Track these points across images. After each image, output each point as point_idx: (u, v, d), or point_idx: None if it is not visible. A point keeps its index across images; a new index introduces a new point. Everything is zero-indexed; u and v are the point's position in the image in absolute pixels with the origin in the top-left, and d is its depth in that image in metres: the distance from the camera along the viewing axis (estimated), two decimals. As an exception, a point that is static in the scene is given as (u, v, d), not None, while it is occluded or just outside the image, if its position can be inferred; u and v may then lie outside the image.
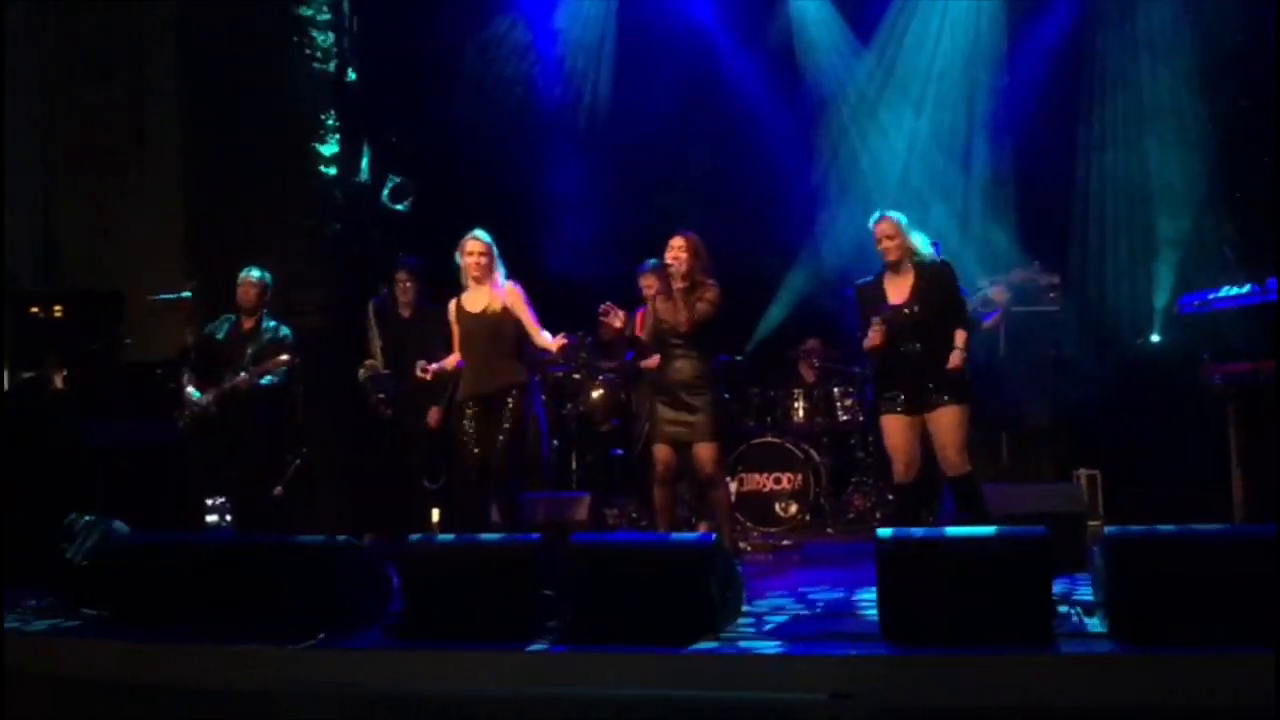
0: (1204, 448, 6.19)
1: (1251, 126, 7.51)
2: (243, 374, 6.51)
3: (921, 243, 5.49)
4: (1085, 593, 4.76)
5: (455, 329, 5.97)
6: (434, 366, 5.99)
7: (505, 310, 5.87)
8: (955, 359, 5.31)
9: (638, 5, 9.29)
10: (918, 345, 5.34)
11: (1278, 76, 5.95)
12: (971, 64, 8.72)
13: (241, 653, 4.62)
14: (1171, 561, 4.14)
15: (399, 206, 8.80)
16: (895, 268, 5.48)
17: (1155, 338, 7.80)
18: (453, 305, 5.99)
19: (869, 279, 5.61)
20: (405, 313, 7.22)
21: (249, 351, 6.59)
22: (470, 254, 5.88)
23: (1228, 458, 5.91)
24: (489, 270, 5.89)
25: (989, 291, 6.93)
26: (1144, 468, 7.24)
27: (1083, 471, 7.22)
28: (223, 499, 7.01)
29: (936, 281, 5.45)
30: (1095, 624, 4.36)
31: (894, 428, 5.43)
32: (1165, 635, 4.02)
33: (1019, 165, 8.45)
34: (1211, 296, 5.63)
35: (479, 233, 5.95)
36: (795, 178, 8.83)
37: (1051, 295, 7.46)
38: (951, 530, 4.54)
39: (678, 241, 5.90)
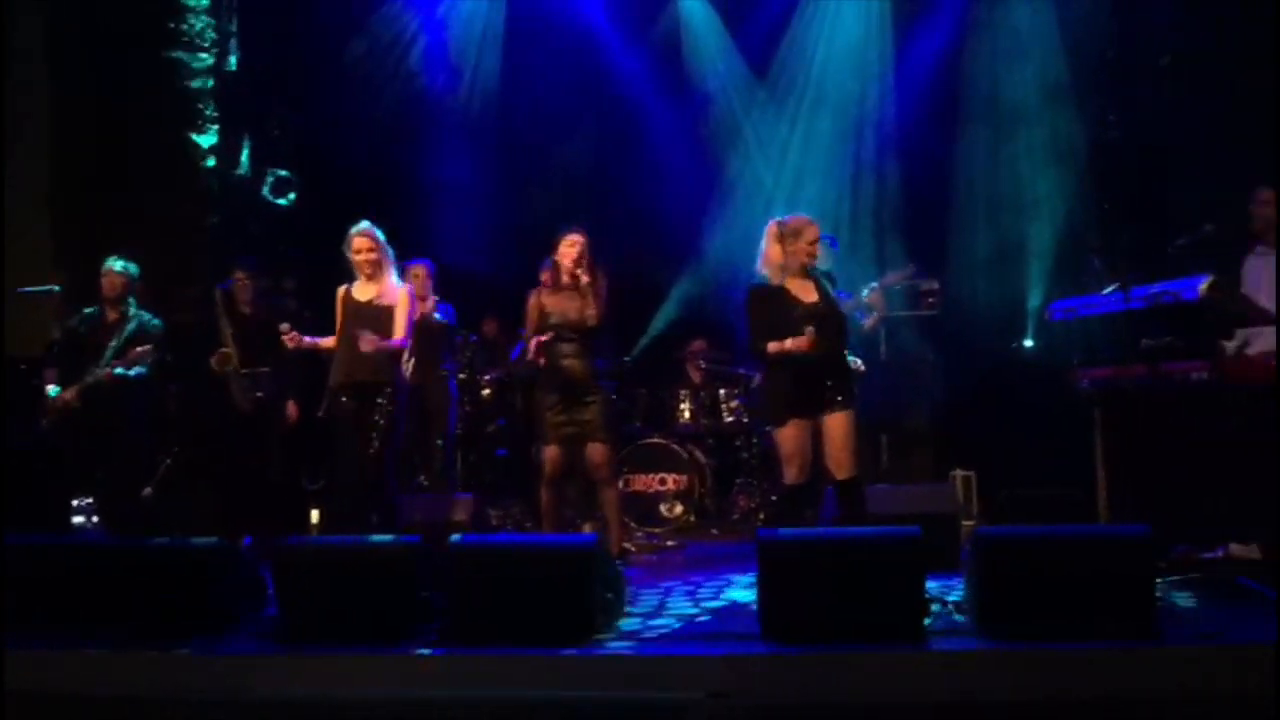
0: (1073, 450, 6.40)
1: (1117, 139, 7.81)
2: (105, 368, 6.30)
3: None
4: (960, 591, 4.88)
5: (341, 317, 5.85)
6: (307, 340, 5.84)
7: (394, 309, 5.79)
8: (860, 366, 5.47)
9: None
10: (828, 347, 5.36)
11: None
12: (856, 70, 8.90)
13: (110, 658, 4.46)
14: (1038, 560, 4.27)
15: (281, 200, 8.60)
16: (803, 273, 5.49)
17: (1028, 343, 8.05)
18: (341, 292, 5.89)
19: (764, 281, 5.52)
20: (246, 310, 7.09)
21: (112, 344, 6.39)
22: (358, 251, 5.78)
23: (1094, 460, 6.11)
24: (380, 266, 5.80)
25: (866, 296, 7.08)
26: (1017, 469, 7.45)
27: (958, 472, 7.42)
28: (90, 499, 6.75)
29: (830, 288, 5.55)
30: (967, 621, 4.47)
31: (795, 432, 5.42)
32: (1033, 632, 4.15)
33: (902, 173, 8.65)
34: (1080, 303, 5.81)
35: (365, 227, 5.83)
36: (682, 178, 8.88)
37: (930, 301, 7.64)
38: (829, 530, 4.62)
39: (576, 237, 5.92)
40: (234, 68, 8.34)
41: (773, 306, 5.42)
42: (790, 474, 5.45)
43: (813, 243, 5.46)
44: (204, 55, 8.10)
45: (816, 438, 5.44)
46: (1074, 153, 7.94)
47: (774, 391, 5.51)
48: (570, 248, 5.89)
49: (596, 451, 5.88)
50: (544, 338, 5.94)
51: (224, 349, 6.81)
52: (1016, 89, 8.32)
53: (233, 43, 8.34)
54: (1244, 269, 5.80)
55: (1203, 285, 5.07)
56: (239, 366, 6.80)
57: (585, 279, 5.84)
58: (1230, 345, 5.60)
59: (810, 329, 5.25)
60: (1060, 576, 4.21)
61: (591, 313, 5.82)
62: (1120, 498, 5.83)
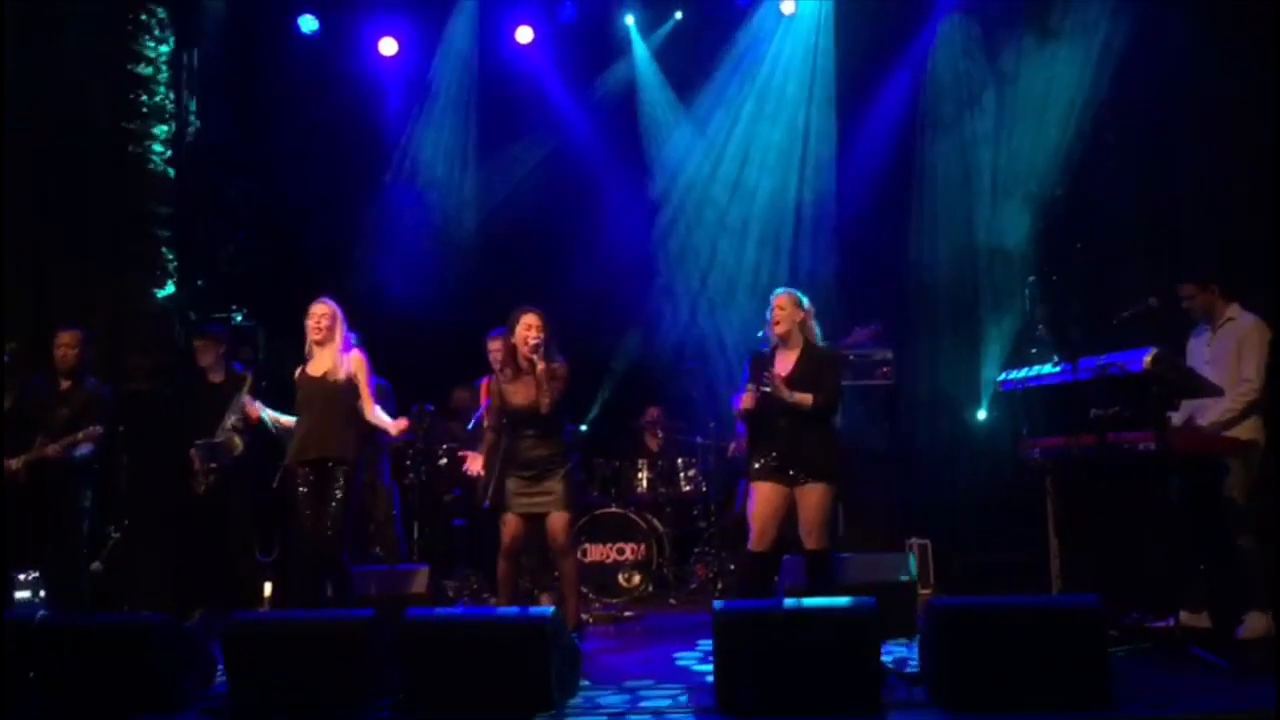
0: (1026, 519, 6.47)
1: (1066, 213, 7.99)
2: (53, 444, 6.24)
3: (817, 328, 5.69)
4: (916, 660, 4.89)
5: (298, 393, 5.91)
6: (268, 414, 5.92)
7: (348, 379, 5.83)
8: (783, 388, 5.40)
9: (489, 71, 9.38)
10: (785, 419, 5.46)
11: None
12: (806, 138, 9.07)
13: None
14: (992, 630, 4.29)
15: (239, 269, 8.58)
16: (785, 341, 5.63)
17: (982, 413, 8.15)
18: (299, 371, 5.96)
19: (766, 348, 5.73)
20: (216, 378, 7.04)
21: (65, 414, 6.33)
22: (311, 317, 5.87)
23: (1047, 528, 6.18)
24: (330, 334, 5.86)
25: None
26: (972, 537, 7.52)
27: (914, 541, 7.46)
28: (35, 574, 6.60)
29: (818, 362, 5.59)
30: (921, 693, 4.47)
31: (758, 495, 5.54)
32: (988, 702, 4.17)
33: (856, 244, 8.76)
34: (1028, 374, 5.90)
35: (324, 299, 5.96)
36: (631, 245, 9.00)
37: (885, 370, 7.73)
38: (785, 602, 4.61)
39: (533, 320, 5.81)
40: (193, 138, 8.35)
41: (756, 370, 5.61)
42: (752, 538, 5.52)
43: (772, 308, 5.66)
44: (162, 126, 8.10)
45: (792, 509, 5.49)
46: (1025, 226, 8.10)
47: (750, 451, 5.68)
48: (526, 330, 5.81)
49: (556, 522, 5.85)
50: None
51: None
52: (971, 162, 8.50)
53: (191, 113, 8.36)
54: (1188, 344, 5.93)
55: (1147, 357, 5.17)
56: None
57: (541, 366, 5.77)
58: (1176, 416, 5.72)
59: (751, 387, 5.45)
60: (1014, 646, 4.24)
61: (546, 401, 5.79)
62: (1072, 566, 5.90)
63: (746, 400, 5.49)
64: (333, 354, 5.86)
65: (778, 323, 5.61)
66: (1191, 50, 7.18)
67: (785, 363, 5.62)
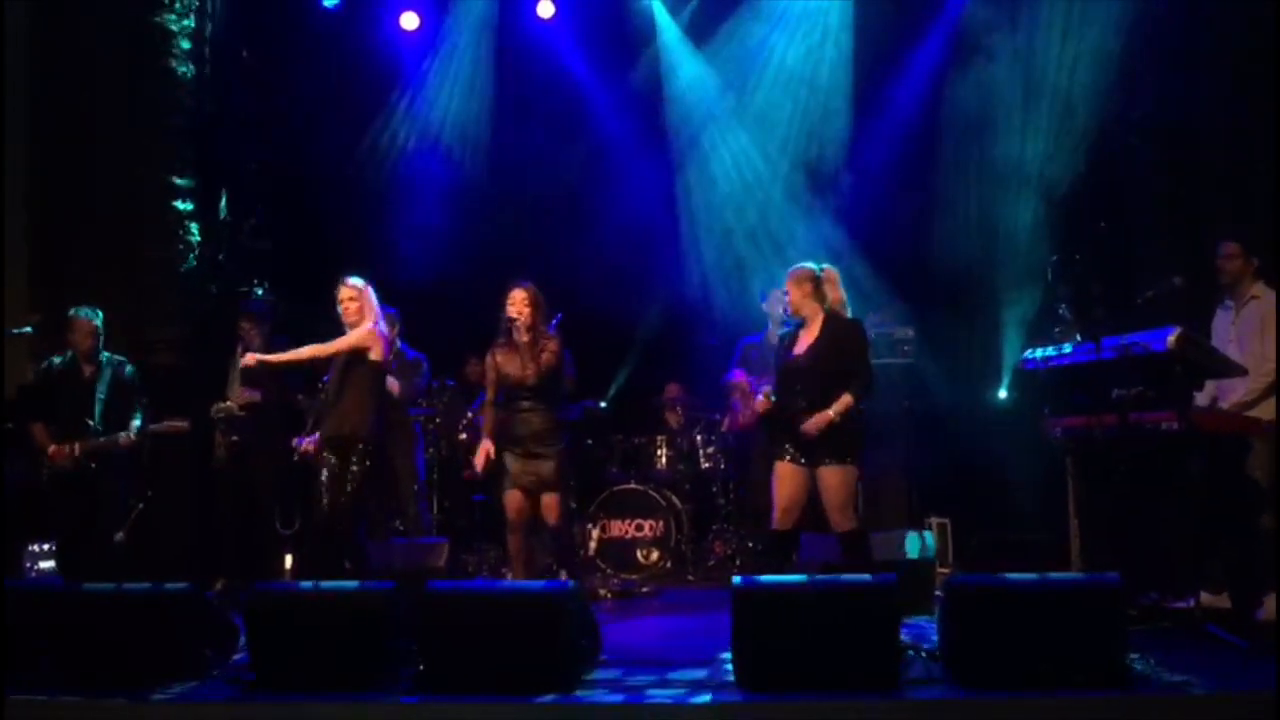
0: (1047, 498, 6.44)
1: (1089, 191, 7.92)
2: (125, 435, 6.43)
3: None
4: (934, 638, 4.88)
5: (330, 367, 5.96)
6: (260, 357, 5.94)
7: (364, 351, 5.83)
8: (815, 420, 5.35)
9: (511, 46, 9.37)
10: (805, 399, 5.43)
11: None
12: (830, 112, 9.00)
13: (79, 705, 4.42)
14: (1011, 608, 4.28)
15: (260, 244, 8.61)
16: (805, 319, 5.60)
17: (1003, 393, 8.10)
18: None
19: (793, 327, 5.71)
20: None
21: (102, 397, 6.45)
22: (341, 300, 5.87)
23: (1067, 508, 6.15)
24: (362, 315, 5.86)
25: None
26: (992, 516, 7.49)
27: (934, 519, 7.44)
28: (50, 544, 6.68)
29: (836, 337, 5.52)
30: (941, 669, 4.47)
31: (779, 474, 5.52)
32: (1006, 680, 4.16)
33: (876, 220, 8.71)
34: (1050, 353, 5.85)
35: (350, 279, 5.93)
36: (655, 223, 8.97)
37: (906, 349, 7.70)
38: (803, 578, 4.61)
39: (519, 294, 5.91)
40: (213, 111, 8.36)
41: (779, 352, 5.69)
42: (775, 516, 5.52)
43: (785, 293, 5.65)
44: (183, 99, 8.12)
45: (814, 488, 5.47)
46: (1048, 204, 8.04)
47: (771, 428, 5.69)
48: (510, 306, 5.90)
49: (549, 501, 5.91)
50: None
51: (226, 401, 6.89)
52: (994, 140, 8.43)
53: (211, 86, 8.37)
54: (1213, 323, 5.88)
55: (1171, 337, 5.12)
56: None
57: (524, 338, 5.85)
58: (1201, 396, 5.67)
59: (765, 393, 5.52)
60: (1033, 624, 4.23)
61: (529, 373, 5.84)
62: (1092, 546, 5.87)
63: (760, 406, 5.54)
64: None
65: (791, 306, 5.62)
66: (1220, 21, 7.10)
67: (804, 342, 5.57)
